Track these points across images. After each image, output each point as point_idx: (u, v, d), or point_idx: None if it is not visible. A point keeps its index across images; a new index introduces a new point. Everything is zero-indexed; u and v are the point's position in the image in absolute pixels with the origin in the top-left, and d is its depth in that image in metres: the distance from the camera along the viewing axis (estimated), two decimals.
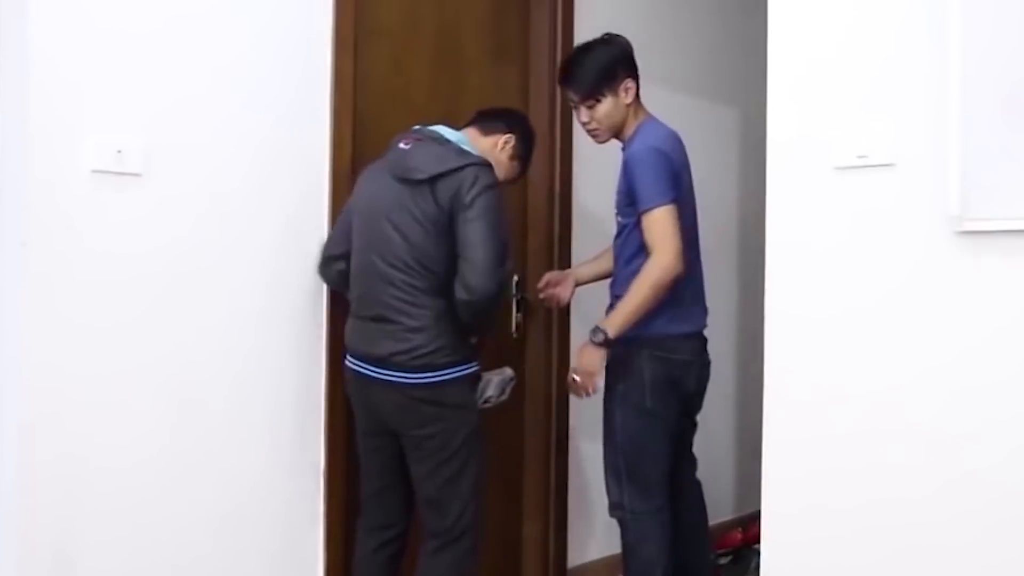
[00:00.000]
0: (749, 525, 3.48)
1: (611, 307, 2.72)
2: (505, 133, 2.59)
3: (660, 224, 2.51)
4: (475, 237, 2.32)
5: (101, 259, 2.23)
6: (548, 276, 3.05)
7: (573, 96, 2.71)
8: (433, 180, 2.34)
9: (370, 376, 2.40)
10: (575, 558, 3.38)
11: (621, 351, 2.60)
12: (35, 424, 2.14)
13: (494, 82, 3.17)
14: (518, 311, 3.21)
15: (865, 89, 1.94)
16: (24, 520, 2.13)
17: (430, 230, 2.34)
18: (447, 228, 2.34)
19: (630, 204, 2.60)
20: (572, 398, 3.33)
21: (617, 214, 2.71)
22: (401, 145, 2.44)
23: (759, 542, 2.10)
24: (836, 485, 1.97)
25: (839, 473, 1.97)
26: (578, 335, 3.32)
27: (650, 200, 2.53)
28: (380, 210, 2.40)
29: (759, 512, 2.10)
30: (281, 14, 2.55)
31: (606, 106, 2.67)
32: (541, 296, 3.01)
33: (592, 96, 2.66)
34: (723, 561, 3.61)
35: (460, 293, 2.31)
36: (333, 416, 2.66)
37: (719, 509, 3.94)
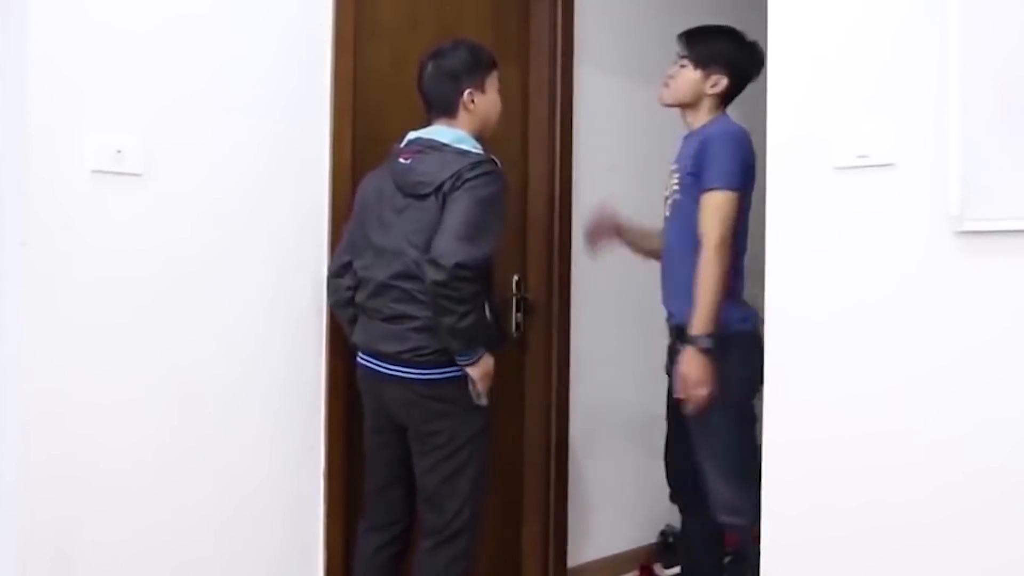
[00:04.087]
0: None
1: (672, 296, 2.67)
2: (463, 93, 2.46)
3: (716, 208, 2.47)
4: (455, 208, 2.29)
5: (101, 259, 2.23)
6: (600, 222, 2.94)
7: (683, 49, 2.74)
8: (438, 188, 2.34)
9: (381, 372, 2.42)
10: (575, 558, 3.38)
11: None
12: (36, 423, 2.14)
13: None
14: (518, 311, 3.21)
15: (865, 89, 1.94)
16: (24, 519, 2.13)
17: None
18: None
19: (696, 182, 2.54)
20: (572, 397, 3.33)
21: (677, 192, 2.63)
22: (402, 160, 2.43)
23: (759, 542, 2.10)
24: (836, 485, 1.97)
25: (839, 474, 1.96)
26: (578, 335, 3.33)
27: (716, 180, 2.48)
28: (391, 222, 2.41)
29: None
30: (280, 14, 2.55)
31: (687, 74, 2.67)
32: (590, 234, 2.94)
33: (685, 54, 2.70)
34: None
35: (428, 272, 2.27)
36: (333, 415, 2.66)
37: None
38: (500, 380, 3.18)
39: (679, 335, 2.57)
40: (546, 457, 3.29)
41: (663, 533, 3.53)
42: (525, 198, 3.27)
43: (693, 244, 2.53)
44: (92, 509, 2.22)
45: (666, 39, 3.65)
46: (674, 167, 2.68)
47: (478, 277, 2.30)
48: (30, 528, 2.14)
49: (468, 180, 2.31)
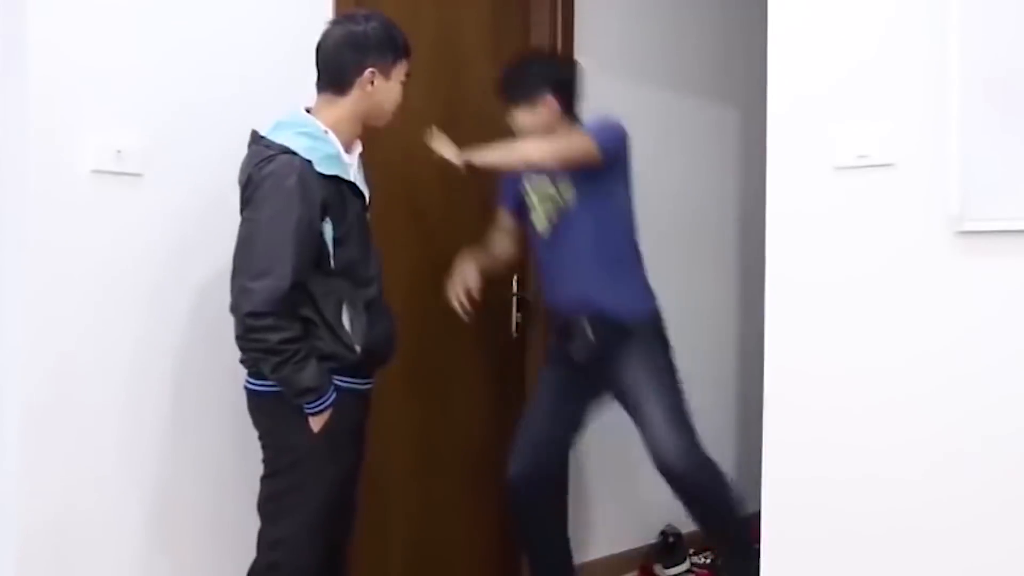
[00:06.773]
0: (749, 524, 3.48)
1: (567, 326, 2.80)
2: (365, 69, 2.15)
3: (581, 138, 2.64)
4: (241, 234, 2.07)
5: (101, 259, 2.23)
6: (463, 286, 2.77)
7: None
8: (242, 192, 2.14)
9: None
10: (575, 558, 3.37)
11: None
12: (35, 421, 2.14)
13: (493, 83, 3.16)
14: (518, 311, 3.21)
15: (865, 89, 1.94)
16: (24, 511, 2.13)
17: None
18: None
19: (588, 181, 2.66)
20: None
21: (572, 200, 2.71)
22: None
23: (759, 542, 2.10)
24: (834, 457, 1.97)
25: (837, 447, 1.97)
26: None
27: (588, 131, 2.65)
28: None
29: (759, 512, 2.10)
30: (282, 14, 2.55)
31: (520, 118, 2.72)
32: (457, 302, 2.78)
33: (507, 103, 2.76)
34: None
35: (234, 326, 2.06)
36: None
37: None
38: (500, 380, 3.21)
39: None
40: None
41: (663, 533, 3.53)
42: None
43: (591, 238, 2.68)
44: (91, 508, 2.22)
45: (666, 39, 3.67)
46: (540, 179, 2.73)
47: (289, 315, 2.00)
48: (30, 521, 2.13)
49: (254, 193, 2.05)
